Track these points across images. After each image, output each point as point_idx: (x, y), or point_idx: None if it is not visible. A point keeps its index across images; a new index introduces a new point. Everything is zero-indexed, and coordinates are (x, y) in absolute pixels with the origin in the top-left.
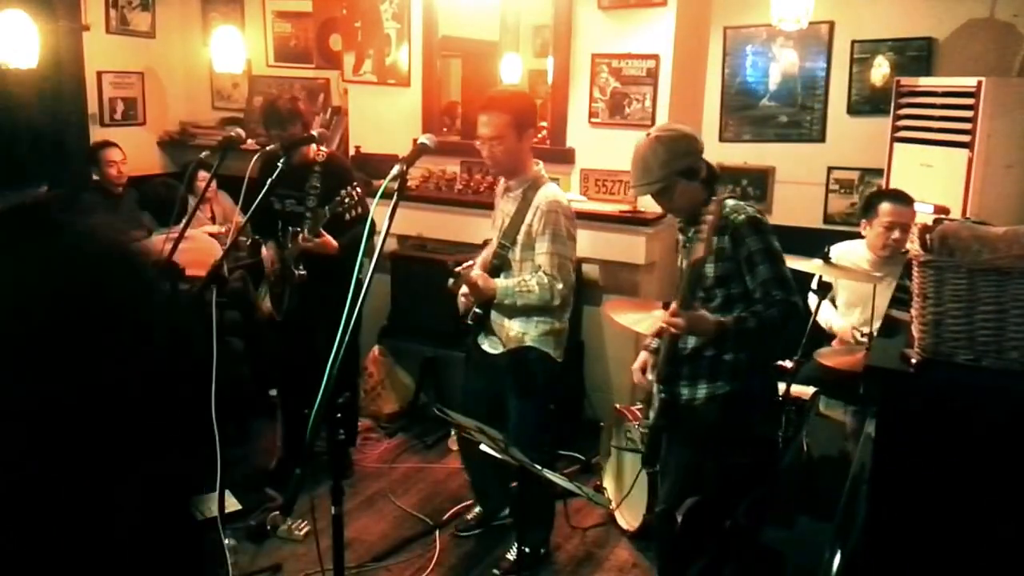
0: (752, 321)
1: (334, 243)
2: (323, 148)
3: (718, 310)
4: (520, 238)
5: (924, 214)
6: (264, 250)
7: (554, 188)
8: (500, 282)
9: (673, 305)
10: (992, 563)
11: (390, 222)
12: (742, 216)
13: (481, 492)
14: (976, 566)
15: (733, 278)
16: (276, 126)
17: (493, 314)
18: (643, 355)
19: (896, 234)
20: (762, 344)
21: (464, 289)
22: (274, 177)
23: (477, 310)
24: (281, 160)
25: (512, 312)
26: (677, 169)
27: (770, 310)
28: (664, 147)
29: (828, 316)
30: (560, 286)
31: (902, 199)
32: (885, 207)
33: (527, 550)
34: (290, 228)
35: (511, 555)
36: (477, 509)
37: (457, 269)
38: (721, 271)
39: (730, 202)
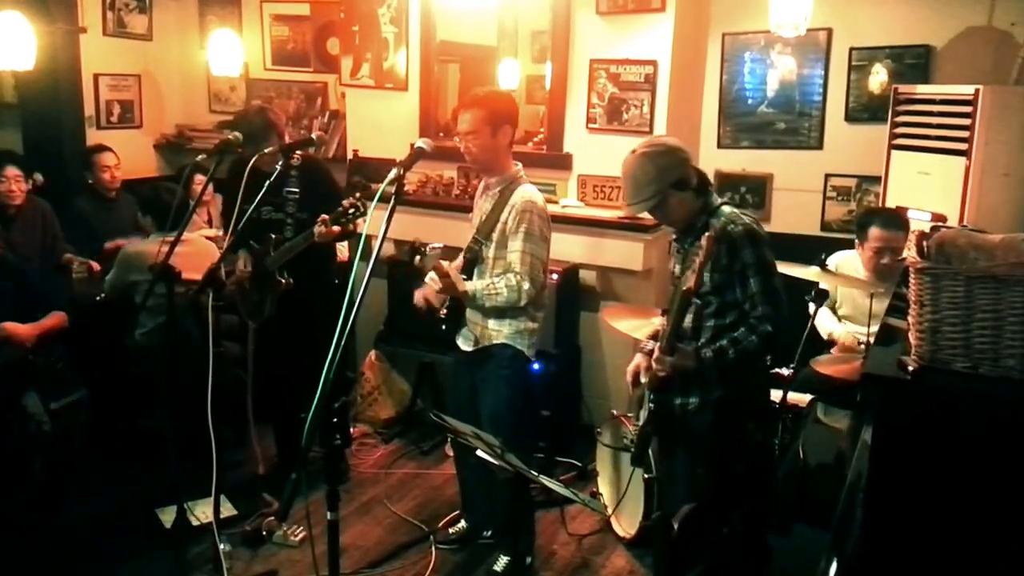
0: (732, 351)
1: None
2: (297, 152)
3: (714, 316)
4: (495, 235)
5: (921, 222)
6: (239, 258)
7: (531, 188)
8: (470, 285)
9: (657, 349)
10: (990, 571)
11: (387, 226)
12: (739, 227)
13: (467, 504)
14: (974, 574)
15: (727, 287)
16: (256, 142)
17: (468, 311)
18: (638, 358)
19: (886, 259)
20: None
21: (433, 276)
22: (271, 180)
23: (445, 309)
24: (280, 163)
25: (485, 310)
26: (668, 182)
27: (750, 337)
28: (652, 162)
29: (827, 324)
30: (527, 286)
31: (892, 223)
32: (874, 232)
33: (515, 559)
34: (272, 236)
35: (498, 566)
36: (461, 523)
37: (426, 248)
38: (717, 281)
39: (726, 209)
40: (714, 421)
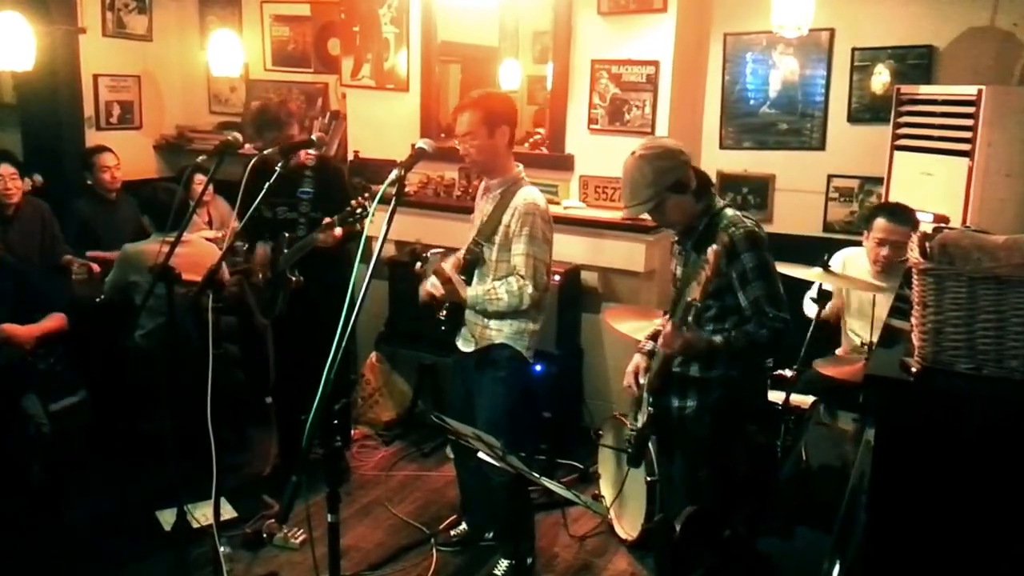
0: (743, 341)
1: (338, 233)
2: (312, 151)
3: (713, 320)
4: (497, 238)
5: (924, 223)
6: (258, 249)
7: (533, 190)
8: (471, 291)
9: (666, 327)
10: (992, 573)
11: (388, 227)
12: (740, 231)
13: (467, 506)
14: None
15: (727, 291)
16: (273, 129)
17: (467, 313)
18: (637, 358)
19: (885, 251)
20: (752, 360)
21: (434, 280)
22: (272, 181)
23: (445, 311)
24: (279, 164)
25: (486, 312)
26: (665, 185)
27: (760, 331)
28: (649, 165)
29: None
30: (531, 290)
31: (897, 216)
32: (879, 223)
33: (515, 562)
34: (286, 234)
35: (498, 571)
36: (462, 526)
37: (427, 254)
38: (717, 285)
39: (728, 212)
40: (712, 424)
